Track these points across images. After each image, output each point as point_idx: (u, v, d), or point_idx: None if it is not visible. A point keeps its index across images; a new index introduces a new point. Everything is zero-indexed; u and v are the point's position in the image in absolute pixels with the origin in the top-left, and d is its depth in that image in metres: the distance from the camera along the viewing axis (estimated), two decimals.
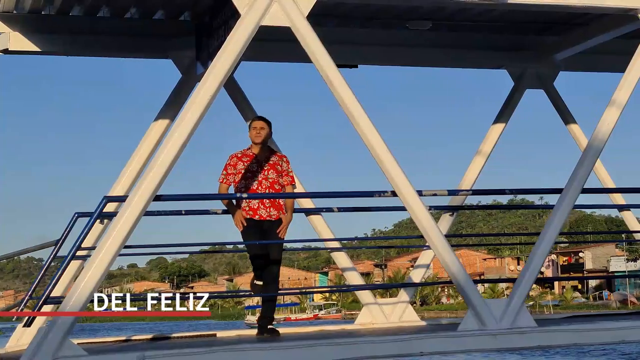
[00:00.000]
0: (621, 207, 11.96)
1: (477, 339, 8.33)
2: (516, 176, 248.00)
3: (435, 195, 9.18)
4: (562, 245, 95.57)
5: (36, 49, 10.18)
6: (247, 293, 10.69)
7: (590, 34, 10.93)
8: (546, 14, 10.43)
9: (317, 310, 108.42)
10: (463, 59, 11.97)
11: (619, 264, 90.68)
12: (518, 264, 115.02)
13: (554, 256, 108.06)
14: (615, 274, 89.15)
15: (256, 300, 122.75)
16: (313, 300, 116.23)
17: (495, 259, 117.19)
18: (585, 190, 9.02)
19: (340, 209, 10.66)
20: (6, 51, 10.05)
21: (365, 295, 10.82)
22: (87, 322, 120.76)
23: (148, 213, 8.83)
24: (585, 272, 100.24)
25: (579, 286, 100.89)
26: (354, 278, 10.89)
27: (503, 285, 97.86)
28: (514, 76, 11.98)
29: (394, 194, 8.41)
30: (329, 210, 10.63)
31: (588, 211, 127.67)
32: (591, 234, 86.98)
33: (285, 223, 9.31)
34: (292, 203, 9.47)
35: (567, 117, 12.07)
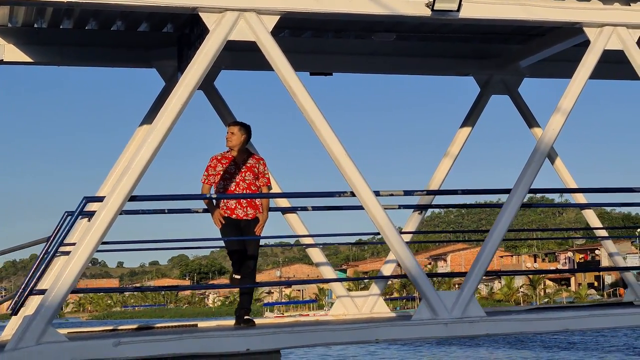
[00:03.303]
0: (583, 206, 12.46)
1: (429, 327, 9.00)
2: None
3: (392, 195, 9.79)
4: (578, 242, 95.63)
5: (29, 59, 10.76)
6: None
7: (547, 43, 11.36)
8: (506, 25, 10.85)
9: None
10: (431, 67, 12.42)
11: (634, 261, 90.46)
12: (535, 261, 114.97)
13: (570, 253, 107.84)
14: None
15: (275, 297, 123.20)
16: (332, 297, 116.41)
17: (512, 256, 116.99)
18: (533, 190, 9.71)
19: (315, 208, 11.31)
20: (1, 62, 10.63)
21: (338, 288, 11.45)
22: (110, 318, 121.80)
23: (130, 212, 9.61)
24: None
25: (595, 283, 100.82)
26: (328, 272, 11.51)
27: (519, 282, 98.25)
28: (480, 83, 12.40)
29: (352, 194, 9.10)
30: (304, 209, 11.27)
31: (608, 208, 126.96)
32: (606, 228, 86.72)
33: (262, 222, 9.93)
34: (267, 203, 10.09)
35: (530, 121, 12.49)
